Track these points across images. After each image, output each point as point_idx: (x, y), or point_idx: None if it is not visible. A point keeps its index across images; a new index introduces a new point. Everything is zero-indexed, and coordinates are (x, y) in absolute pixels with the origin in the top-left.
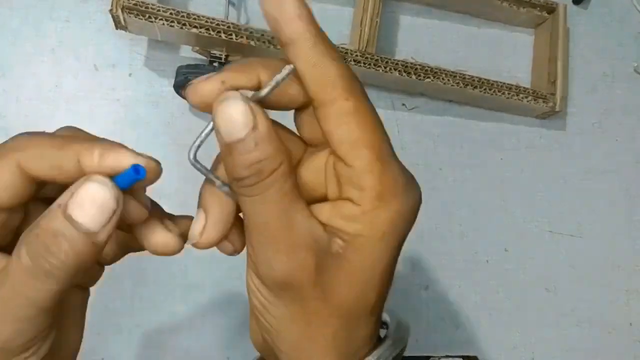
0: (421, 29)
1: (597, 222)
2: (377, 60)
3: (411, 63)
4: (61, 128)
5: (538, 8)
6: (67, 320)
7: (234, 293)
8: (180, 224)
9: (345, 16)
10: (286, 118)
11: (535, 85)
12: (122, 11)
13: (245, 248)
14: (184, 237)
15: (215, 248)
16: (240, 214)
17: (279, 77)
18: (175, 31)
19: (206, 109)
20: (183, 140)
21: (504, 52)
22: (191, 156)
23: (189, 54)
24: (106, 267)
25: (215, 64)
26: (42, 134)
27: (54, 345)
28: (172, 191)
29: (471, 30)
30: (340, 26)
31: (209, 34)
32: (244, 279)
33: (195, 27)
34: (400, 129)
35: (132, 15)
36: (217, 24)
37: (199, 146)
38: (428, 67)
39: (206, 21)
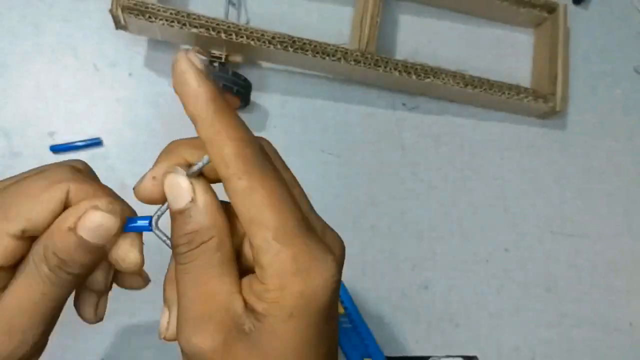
0: (421, 29)
1: (597, 222)
2: (377, 60)
3: (411, 63)
4: (75, 160)
5: (538, 8)
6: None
7: None
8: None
9: (345, 16)
10: None
11: (536, 85)
12: (122, 11)
13: None
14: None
15: None
16: None
17: (203, 160)
18: (175, 31)
19: (154, 202)
20: None
21: (504, 52)
22: (153, 225)
23: None
24: None
25: (215, 64)
26: (80, 172)
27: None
28: None
29: (471, 30)
30: (340, 26)
31: (209, 33)
32: None
33: (195, 27)
34: (400, 129)
35: (132, 15)
36: (217, 24)
37: (159, 216)
38: (428, 67)
39: (206, 21)
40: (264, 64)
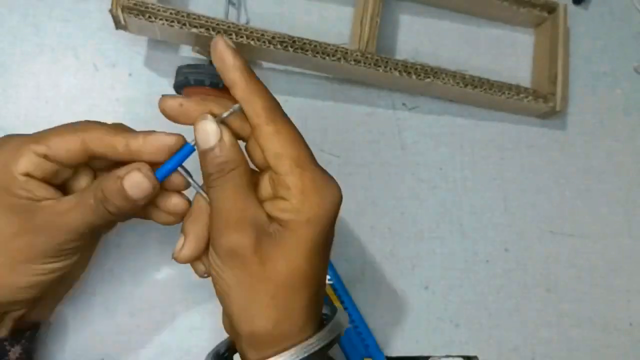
0: (421, 29)
1: (597, 222)
2: (377, 60)
3: (411, 63)
4: (82, 122)
5: (538, 8)
6: (83, 253)
7: None
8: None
9: (345, 16)
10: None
11: (536, 85)
12: (121, 11)
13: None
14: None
15: None
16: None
17: (232, 108)
18: (175, 31)
19: (169, 117)
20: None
21: (504, 52)
22: (180, 168)
23: (189, 54)
24: (106, 268)
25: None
26: (99, 123)
27: (72, 266)
28: None
29: (471, 30)
30: (340, 26)
31: (209, 34)
32: None
33: (195, 27)
34: (400, 129)
35: (132, 15)
36: (217, 24)
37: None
38: (428, 67)
39: (206, 21)
40: (264, 64)
